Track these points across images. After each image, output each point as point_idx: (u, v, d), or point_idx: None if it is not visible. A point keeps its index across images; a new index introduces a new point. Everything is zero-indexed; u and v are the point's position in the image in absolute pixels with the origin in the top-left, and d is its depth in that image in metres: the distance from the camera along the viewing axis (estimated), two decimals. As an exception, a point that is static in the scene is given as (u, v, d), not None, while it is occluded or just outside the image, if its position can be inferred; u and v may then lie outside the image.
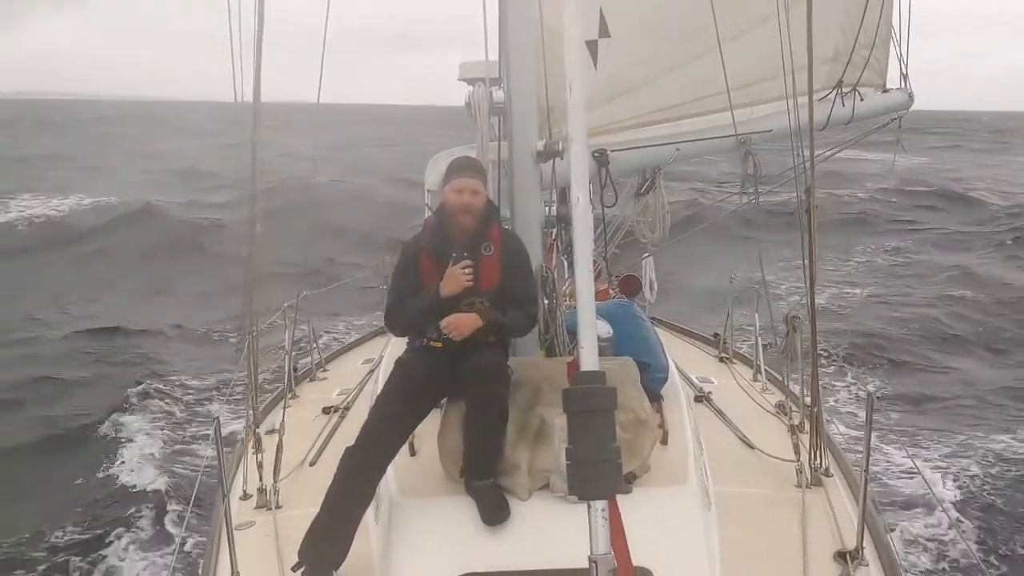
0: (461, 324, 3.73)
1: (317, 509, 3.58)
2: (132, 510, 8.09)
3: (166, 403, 12.01)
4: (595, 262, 5.84)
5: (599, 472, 1.87)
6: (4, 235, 22.91)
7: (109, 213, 25.47)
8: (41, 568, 6.96)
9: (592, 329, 2.03)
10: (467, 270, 3.75)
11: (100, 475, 9.06)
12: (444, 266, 3.80)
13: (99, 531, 7.64)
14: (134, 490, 8.60)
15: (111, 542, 7.45)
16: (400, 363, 3.97)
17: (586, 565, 1.88)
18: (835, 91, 5.96)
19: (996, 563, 6.18)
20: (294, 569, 3.50)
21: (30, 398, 11.37)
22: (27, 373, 12.14)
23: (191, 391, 12.76)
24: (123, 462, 9.56)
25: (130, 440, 10.37)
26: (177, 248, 21.36)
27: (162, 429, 10.87)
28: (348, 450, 3.66)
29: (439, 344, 3.83)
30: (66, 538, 7.53)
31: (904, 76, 6.76)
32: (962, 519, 6.75)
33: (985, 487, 7.45)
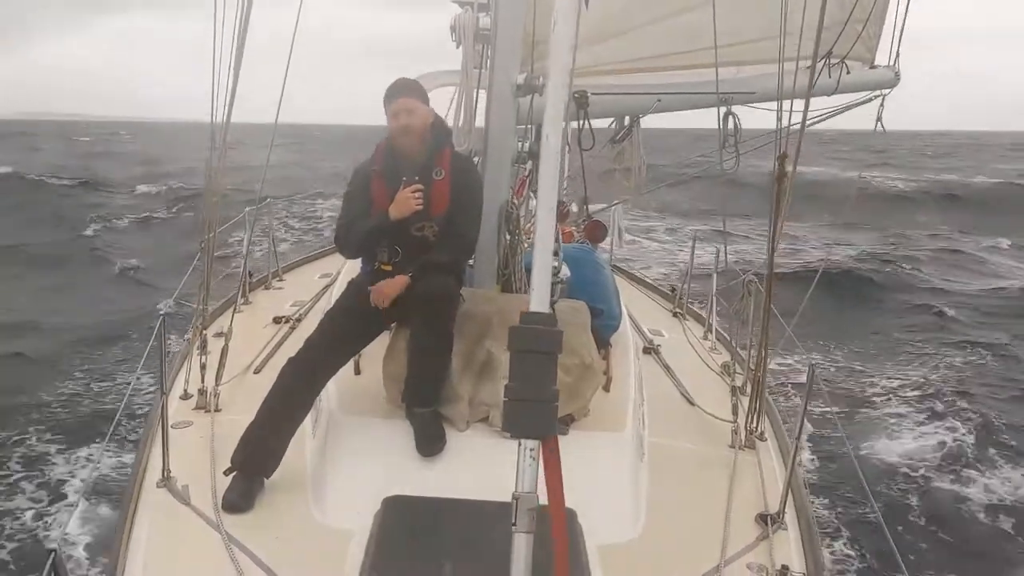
0: (387, 289, 3.67)
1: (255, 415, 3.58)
2: (69, 404, 8.07)
3: (118, 293, 11.87)
4: (562, 203, 5.81)
5: (534, 412, 1.87)
6: None
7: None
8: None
9: (548, 269, 2.01)
10: (417, 194, 3.70)
11: (43, 367, 8.99)
12: (395, 190, 3.74)
13: (36, 424, 7.62)
14: (72, 384, 8.56)
15: (47, 435, 7.44)
16: (353, 283, 3.95)
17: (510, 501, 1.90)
18: (823, 60, 5.92)
19: (910, 543, 6.39)
20: (226, 473, 3.51)
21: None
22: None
23: (144, 285, 12.62)
24: (64, 356, 9.49)
25: (72, 335, 10.28)
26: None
27: (108, 321, 10.77)
28: (290, 360, 3.65)
29: (389, 267, 3.80)
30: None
31: (896, 55, 6.72)
32: (883, 495, 6.95)
33: (912, 467, 7.67)
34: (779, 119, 4.09)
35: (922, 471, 7.54)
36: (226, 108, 4.23)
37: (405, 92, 3.82)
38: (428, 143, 3.81)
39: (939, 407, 9.04)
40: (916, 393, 9.55)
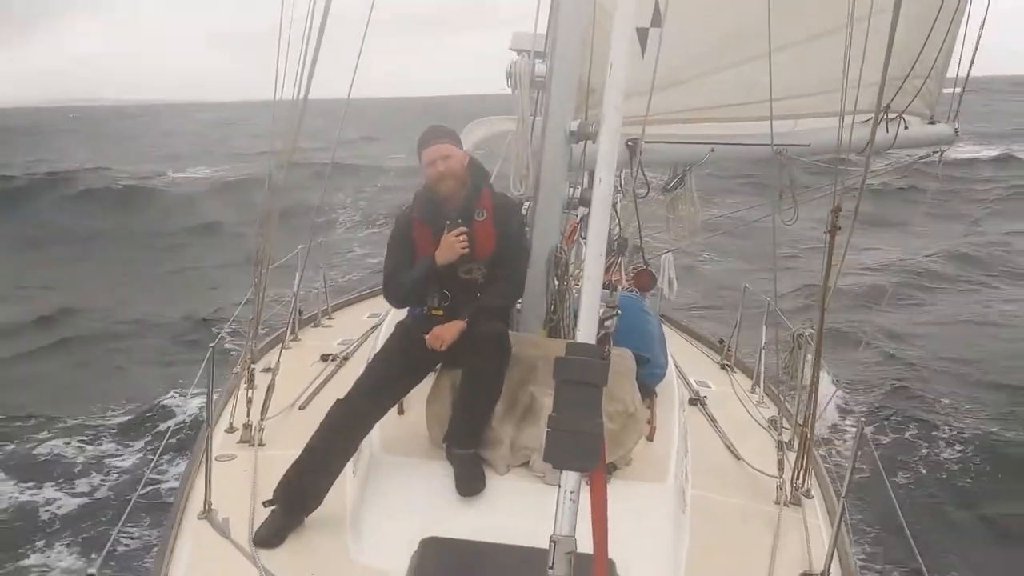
0: (444, 335, 3.70)
1: (299, 452, 3.60)
2: (113, 432, 8.20)
3: (165, 334, 12.11)
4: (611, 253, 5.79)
5: (578, 443, 1.83)
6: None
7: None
8: (10, 495, 7.06)
9: (594, 306, 2.01)
10: (462, 237, 3.73)
11: (91, 391, 9.15)
12: (437, 235, 3.77)
13: (79, 447, 7.75)
14: (117, 412, 8.71)
15: (88, 457, 7.56)
16: (402, 325, 3.96)
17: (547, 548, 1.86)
18: (881, 115, 5.85)
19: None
20: (265, 505, 3.51)
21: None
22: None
23: (194, 323, 12.85)
24: (113, 384, 9.67)
25: (121, 365, 10.49)
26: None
27: (159, 357, 10.97)
28: (338, 402, 3.66)
29: (440, 312, 3.82)
30: (50, 448, 7.64)
31: (955, 112, 6.63)
32: (928, 551, 6.69)
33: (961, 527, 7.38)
34: (835, 173, 4.06)
35: (979, 535, 7.26)
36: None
37: (435, 139, 3.87)
38: (467, 185, 3.84)
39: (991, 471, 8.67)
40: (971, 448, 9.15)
